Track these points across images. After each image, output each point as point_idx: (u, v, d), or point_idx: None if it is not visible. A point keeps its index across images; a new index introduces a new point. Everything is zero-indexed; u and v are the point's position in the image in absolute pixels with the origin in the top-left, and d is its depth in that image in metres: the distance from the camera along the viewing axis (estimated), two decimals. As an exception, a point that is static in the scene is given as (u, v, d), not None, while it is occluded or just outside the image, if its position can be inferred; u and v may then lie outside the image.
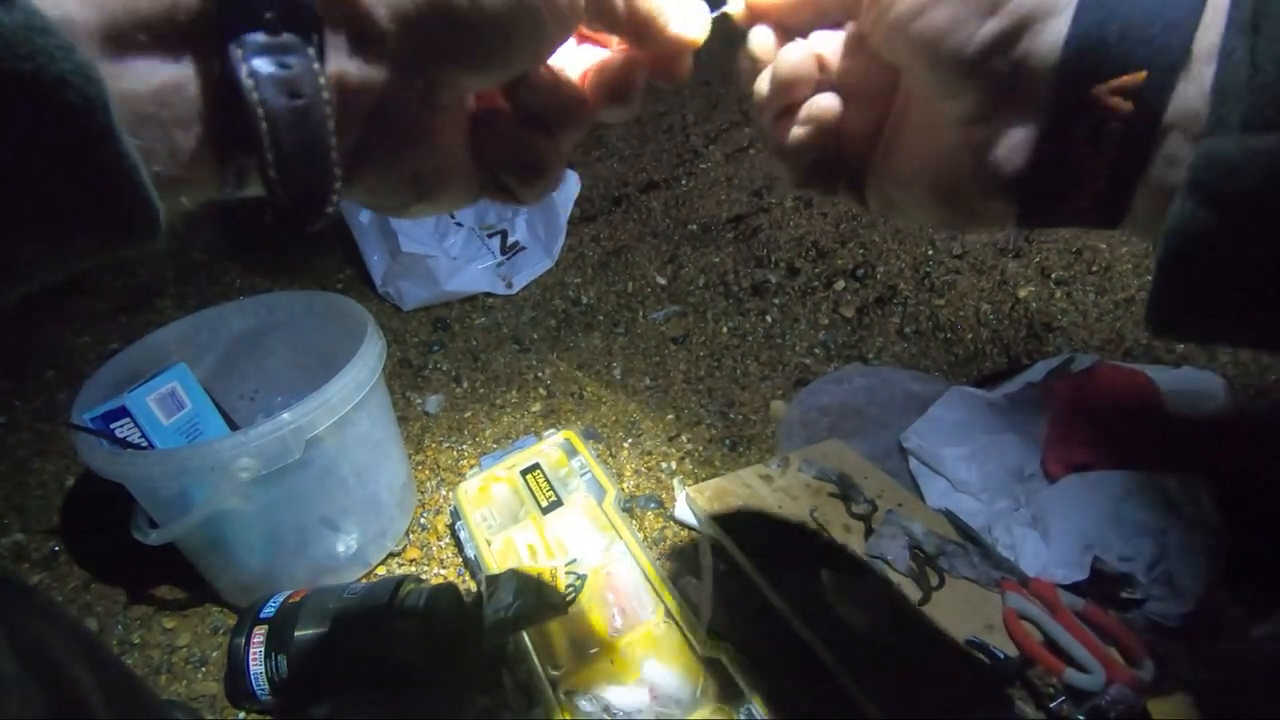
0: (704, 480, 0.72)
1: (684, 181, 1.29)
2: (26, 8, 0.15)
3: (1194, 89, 0.21)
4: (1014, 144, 0.25)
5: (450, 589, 0.61)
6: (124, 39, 0.18)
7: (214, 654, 0.64)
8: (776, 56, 0.29)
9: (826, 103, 0.28)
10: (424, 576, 0.69)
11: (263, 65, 0.19)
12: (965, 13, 0.24)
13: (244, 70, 0.19)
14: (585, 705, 0.51)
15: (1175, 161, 0.22)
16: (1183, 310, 0.23)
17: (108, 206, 0.18)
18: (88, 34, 0.17)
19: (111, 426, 0.63)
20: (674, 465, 0.77)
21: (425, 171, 0.26)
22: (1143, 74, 0.21)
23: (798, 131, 0.29)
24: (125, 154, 0.17)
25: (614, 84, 0.28)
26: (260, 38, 0.19)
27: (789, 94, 0.29)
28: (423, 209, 0.28)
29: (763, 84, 0.29)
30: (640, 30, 0.27)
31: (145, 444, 0.64)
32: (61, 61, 0.15)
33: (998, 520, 0.62)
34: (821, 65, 0.29)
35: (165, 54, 0.19)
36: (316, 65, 0.20)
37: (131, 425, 0.64)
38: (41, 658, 0.31)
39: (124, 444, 0.63)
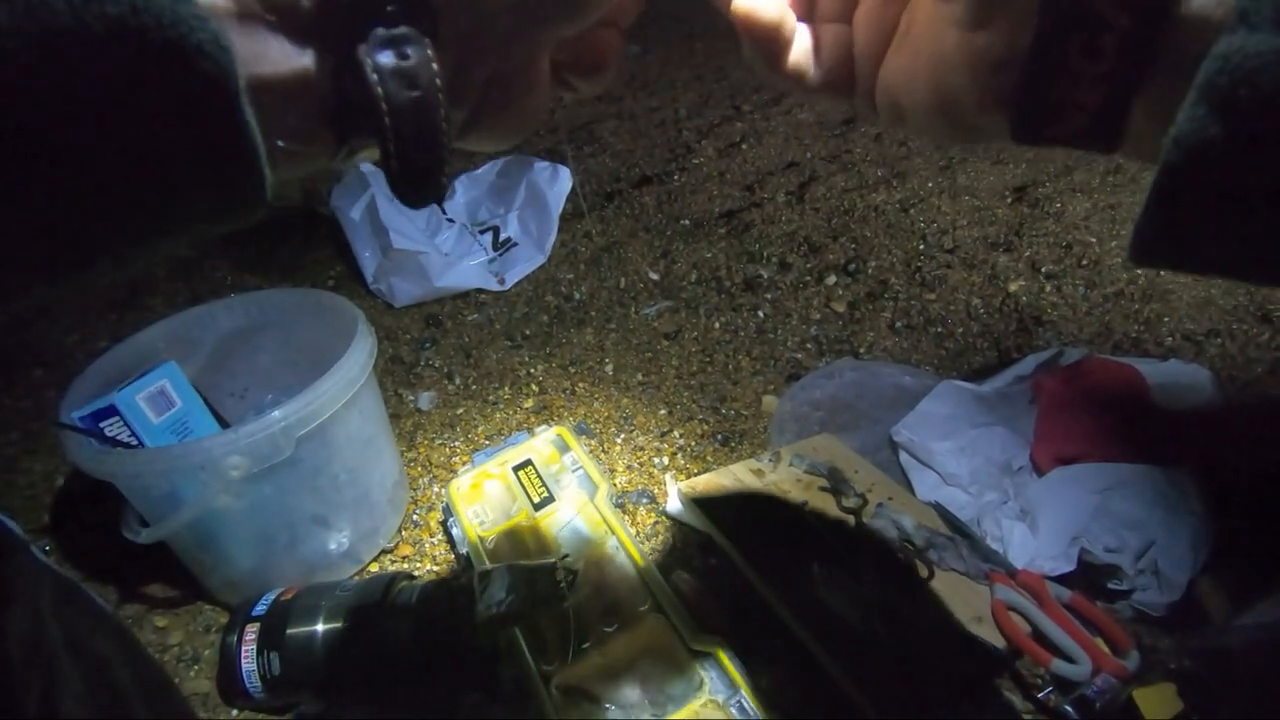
0: (696, 475, 0.72)
1: (676, 177, 1.29)
2: None
3: None
4: (1009, 53, 0.23)
5: (443, 585, 0.61)
6: (254, 18, 0.18)
7: (206, 652, 0.64)
8: None
9: None
10: (416, 573, 0.69)
11: (386, 59, 0.20)
12: None
13: (369, 64, 0.20)
14: (578, 700, 0.51)
15: (1179, 73, 0.20)
16: (1177, 232, 0.21)
17: (223, 174, 0.18)
18: (223, 8, 0.18)
19: (100, 425, 0.63)
20: (666, 460, 0.77)
21: (529, 117, 0.27)
22: None
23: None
24: (247, 124, 0.18)
25: None
26: (382, 31, 0.20)
27: None
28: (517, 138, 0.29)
29: None
30: None
31: (135, 442, 0.64)
32: (199, 31, 0.16)
33: (986, 513, 0.63)
34: None
35: (291, 37, 0.19)
36: (431, 52, 0.21)
37: (121, 424, 0.63)
38: (89, 655, 0.32)
39: (113, 443, 0.63)
